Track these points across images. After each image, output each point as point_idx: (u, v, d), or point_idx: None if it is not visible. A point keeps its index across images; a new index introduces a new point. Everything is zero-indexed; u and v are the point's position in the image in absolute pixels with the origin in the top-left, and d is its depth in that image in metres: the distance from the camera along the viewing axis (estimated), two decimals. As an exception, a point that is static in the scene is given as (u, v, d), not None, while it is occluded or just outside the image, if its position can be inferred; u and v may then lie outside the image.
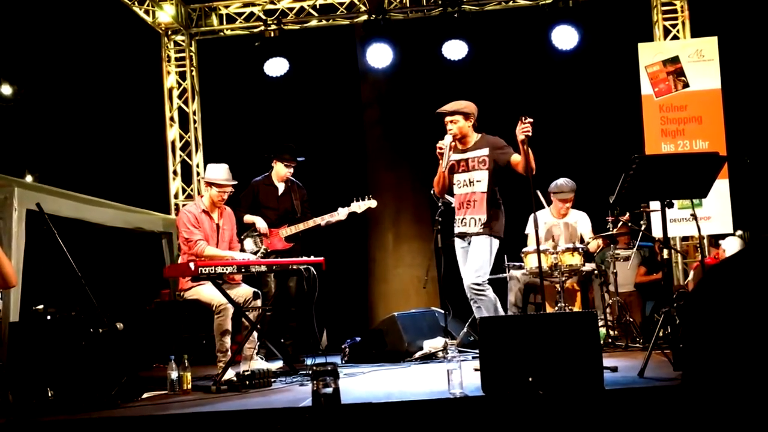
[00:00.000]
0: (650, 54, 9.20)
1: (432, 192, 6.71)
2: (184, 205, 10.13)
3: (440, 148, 6.24)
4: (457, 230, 6.43)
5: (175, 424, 4.66)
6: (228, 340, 6.47)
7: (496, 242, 6.31)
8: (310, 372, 5.45)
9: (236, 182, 7.06)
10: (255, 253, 7.61)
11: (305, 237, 7.89)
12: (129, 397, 5.54)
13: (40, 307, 6.89)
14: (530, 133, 5.80)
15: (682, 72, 9.07)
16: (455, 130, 6.28)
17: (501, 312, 6.30)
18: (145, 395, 5.82)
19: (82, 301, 5.93)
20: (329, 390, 2.11)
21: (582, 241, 7.79)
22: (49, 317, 6.08)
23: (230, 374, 6.11)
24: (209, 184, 6.98)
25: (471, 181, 6.30)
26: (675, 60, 9.10)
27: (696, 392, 2.07)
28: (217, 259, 6.53)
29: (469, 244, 6.31)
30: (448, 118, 6.30)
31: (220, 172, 7.01)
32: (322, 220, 7.71)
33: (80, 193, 8.11)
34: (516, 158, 6.10)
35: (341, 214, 7.67)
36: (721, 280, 2.13)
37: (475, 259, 6.21)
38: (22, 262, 6.64)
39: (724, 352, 2.03)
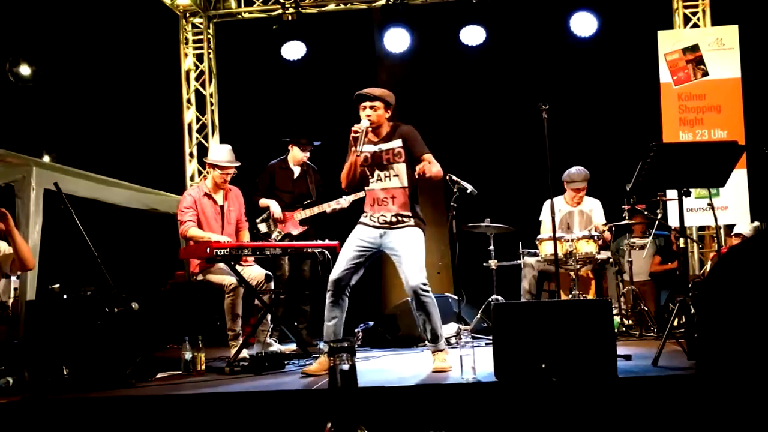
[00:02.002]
0: (670, 42, 9.13)
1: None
2: (190, 186, 10.16)
3: (355, 132, 5.45)
4: (368, 222, 5.65)
5: (188, 404, 4.69)
6: (239, 323, 6.49)
7: (423, 238, 5.65)
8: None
9: (239, 164, 7.01)
10: (269, 237, 7.63)
11: (319, 221, 7.89)
12: (143, 377, 5.58)
13: (57, 286, 6.93)
14: (430, 174, 5.34)
15: (702, 60, 9.00)
16: (374, 117, 5.52)
17: None
18: (159, 375, 5.87)
19: (98, 280, 5.97)
20: (346, 366, 2.10)
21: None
22: (65, 296, 6.12)
23: (243, 356, 6.14)
24: (211, 165, 6.97)
25: (387, 175, 5.59)
26: (695, 48, 9.04)
27: (709, 379, 2.06)
28: (197, 239, 6.55)
29: (381, 236, 5.58)
30: (369, 103, 5.53)
31: (222, 153, 6.98)
32: (328, 207, 7.70)
33: (97, 174, 8.15)
34: (428, 160, 5.49)
35: (344, 202, 7.64)
36: (733, 267, 2.12)
37: (414, 254, 5.48)
38: (39, 241, 6.69)
39: (737, 338, 2.03)
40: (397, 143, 5.56)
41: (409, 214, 5.56)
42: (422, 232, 5.60)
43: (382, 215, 5.56)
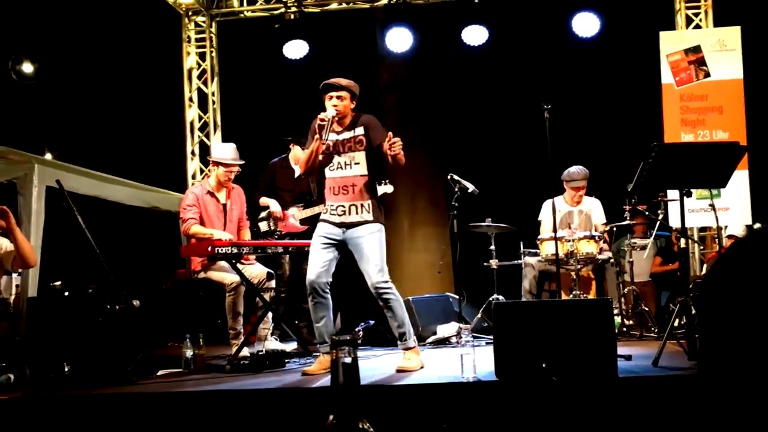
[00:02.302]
0: (672, 43, 9.14)
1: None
2: (193, 185, 10.17)
3: (322, 120, 5.42)
4: (329, 218, 5.63)
5: (189, 401, 4.70)
6: (240, 321, 6.51)
7: (384, 232, 5.65)
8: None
9: (243, 162, 7.02)
10: (270, 235, 7.63)
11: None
12: (144, 374, 5.60)
13: (58, 283, 6.94)
14: (398, 153, 5.30)
15: (704, 61, 9.01)
16: (341, 107, 5.52)
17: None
18: (160, 373, 5.88)
19: (100, 278, 5.97)
20: (348, 360, 2.11)
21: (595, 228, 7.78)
22: (66, 293, 6.13)
23: (244, 354, 6.15)
24: (216, 163, 6.99)
25: (348, 163, 5.56)
26: (697, 49, 9.04)
27: (710, 379, 2.07)
28: (200, 236, 6.57)
29: (344, 232, 5.56)
30: (335, 93, 5.54)
31: (226, 151, 7.00)
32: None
33: (99, 172, 8.16)
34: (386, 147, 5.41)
35: None
36: (731, 266, 2.13)
37: (374, 253, 5.48)
38: (41, 238, 6.70)
39: (737, 338, 2.03)
40: (359, 131, 5.57)
41: (369, 203, 5.55)
42: (382, 227, 5.61)
43: (341, 205, 5.55)
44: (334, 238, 5.57)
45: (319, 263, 5.53)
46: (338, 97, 5.54)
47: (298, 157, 7.96)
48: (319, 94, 5.60)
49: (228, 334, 6.57)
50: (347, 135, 5.58)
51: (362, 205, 5.54)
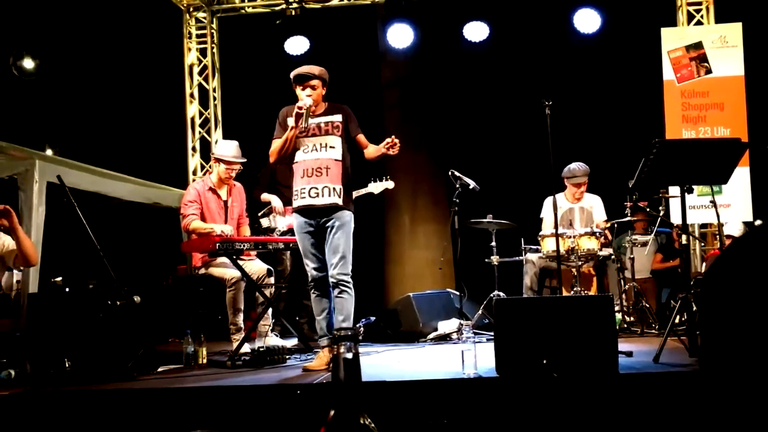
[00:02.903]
0: (673, 39, 9.13)
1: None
2: (194, 181, 10.17)
3: (300, 109, 5.47)
4: (299, 203, 5.62)
5: (190, 397, 4.70)
6: (241, 318, 6.52)
7: (353, 221, 5.66)
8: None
9: (245, 160, 7.02)
10: (271, 232, 7.63)
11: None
12: (145, 370, 5.59)
13: (59, 279, 6.94)
14: (395, 153, 5.42)
15: (705, 58, 9.00)
16: (315, 96, 5.57)
17: None
18: (161, 369, 5.87)
19: (101, 274, 5.97)
20: (349, 355, 2.12)
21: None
22: (67, 289, 6.13)
23: (245, 350, 6.15)
24: (218, 160, 6.99)
25: (323, 146, 5.56)
26: (698, 46, 9.03)
27: (712, 374, 2.07)
28: (200, 231, 6.57)
29: (319, 222, 5.57)
30: (310, 82, 5.59)
31: (229, 148, 7.00)
32: None
33: (100, 168, 8.15)
34: (364, 140, 5.64)
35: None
36: (732, 263, 2.12)
37: (343, 244, 5.50)
38: (42, 234, 6.69)
39: (737, 335, 2.03)
40: (336, 117, 5.62)
41: (340, 188, 5.55)
42: (352, 215, 5.64)
43: (313, 187, 5.54)
44: (312, 227, 5.59)
45: (313, 257, 5.60)
46: (312, 87, 5.59)
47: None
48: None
49: (229, 329, 6.58)
50: (324, 119, 5.62)
51: (334, 189, 5.54)
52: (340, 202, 5.54)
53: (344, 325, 5.47)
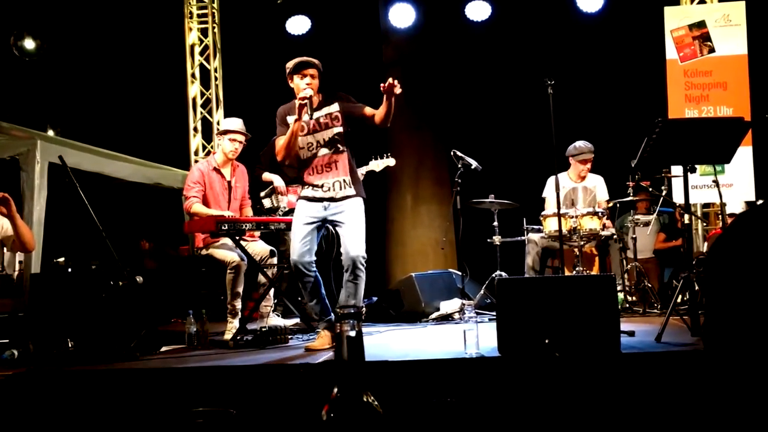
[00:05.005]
0: (676, 18, 9.08)
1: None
2: (196, 161, 10.17)
3: (303, 99, 5.39)
4: (309, 194, 5.60)
5: (192, 376, 4.71)
6: (239, 302, 6.50)
7: (363, 205, 5.64)
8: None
9: (249, 135, 7.00)
10: (274, 212, 7.62)
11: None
12: (147, 350, 5.60)
13: (62, 259, 6.95)
14: (398, 92, 5.22)
15: (708, 37, 8.96)
16: (315, 85, 5.50)
17: None
18: (164, 349, 5.89)
19: (103, 254, 5.98)
20: (353, 333, 2.12)
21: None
22: (70, 270, 6.14)
23: (247, 330, 6.16)
24: (223, 132, 6.96)
25: (327, 140, 5.53)
26: (701, 24, 8.99)
27: (715, 353, 2.07)
28: (200, 215, 6.56)
29: (327, 209, 5.54)
30: (309, 71, 5.51)
31: (233, 122, 6.98)
32: None
33: (102, 148, 8.15)
34: (370, 110, 5.48)
35: None
36: (734, 242, 2.12)
37: (358, 228, 5.48)
38: (43, 214, 6.70)
39: (741, 314, 2.03)
40: (334, 108, 5.56)
41: (350, 178, 5.55)
42: (363, 202, 5.61)
43: (324, 182, 5.54)
44: (316, 216, 5.55)
45: (301, 244, 5.51)
46: (311, 76, 5.52)
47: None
48: (323, 71, 5.57)
49: (227, 308, 6.58)
50: (323, 112, 5.56)
51: (344, 181, 5.55)
52: (353, 191, 5.55)
53: (350, 302, 5.48)
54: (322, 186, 5.55)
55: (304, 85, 5.47)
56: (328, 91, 5.63)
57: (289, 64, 5.56)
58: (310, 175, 5.60)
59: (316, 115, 5.54)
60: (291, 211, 7.59)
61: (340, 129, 5.54)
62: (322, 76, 5.60)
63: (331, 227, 5.77)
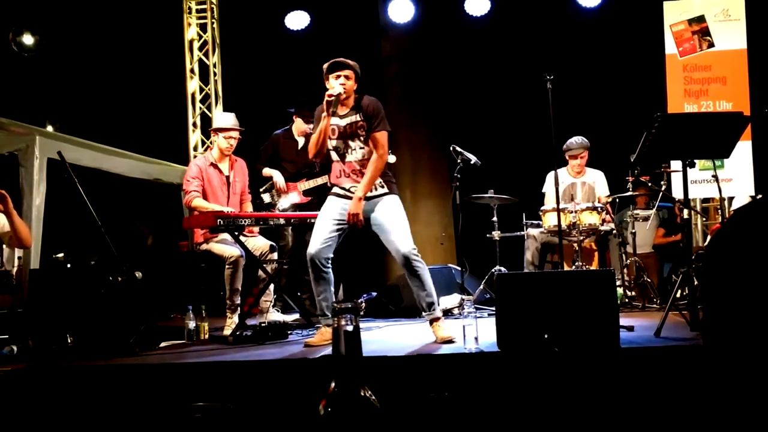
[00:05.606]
0: (675, 13, 9.07)
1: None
2: (195, 157, 10.17)
3: (330, 96, 5.36)
4: (342, 193, 5.57)
5: (192, 372, 4.71)
6: (237, 297, 6.50)
7: (400, 201, 5.65)
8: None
9: (243, 128, 6.98)
10: (273, 207, 7.62)
11: (323, 191, 7.86)
12: (147, 346, 5.61)
13: (61, 255, 6.95)
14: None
15: (708, 31, 8.94)
16: (348, 86, 5.44)
17: None
18: (163, 344, 5.89)
19: (102, 250, 5.98)
20: (350, 327, 2.12)
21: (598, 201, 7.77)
22: (69, 265, 6.14)
23: (247, 326, 6.16)
24: (216, 131, 6.96)
25: (355, 148, 5.50)
26: (701, 19, 8.97)
27: (714, 348, 2.06)
28: (201, 209, 6.56)
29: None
30: (342, 72, 5.45)
31: (226, 119, 6.97)
32: (324, 180, 7.69)
33: (100, 144, 8.14)
34: (373, 142, 5.45)
35: None
36: (733, 236, 2.11)
37: (401, 222, 5.48)
38: (42, 210, 6.70)
39: (739, 306, 2.02)
40: (358, 117, 5.49)
41: (380, 181, 5.53)
42: (399, 198, 5.61)
43: (353, 186, 5.50)
44: (345, 217, 5.50)
45: (323, 238, 5.48)
46: (345, 77, 5.45)
47: (300, 128, 7.93)
48: (322, 66, 5.55)
49: (226, 304, 6.58)
50: (351, 119, 5.51)
51: (377, 186, 5.53)
52: (385, 190, 5.53)
53: (429, 301, 5.47)
54: (349, 189, 5.51)
55: (337, 85, 5.41)
56: (360, 97, 5.56)
57: (325, 65, 5.50)
58: (340, 178, 5.58)
59: (346, 120, 5.50)
60: (290, 208, 7.61)
61: (366, 137, 5.50)
62: (359, 78, 5.53)
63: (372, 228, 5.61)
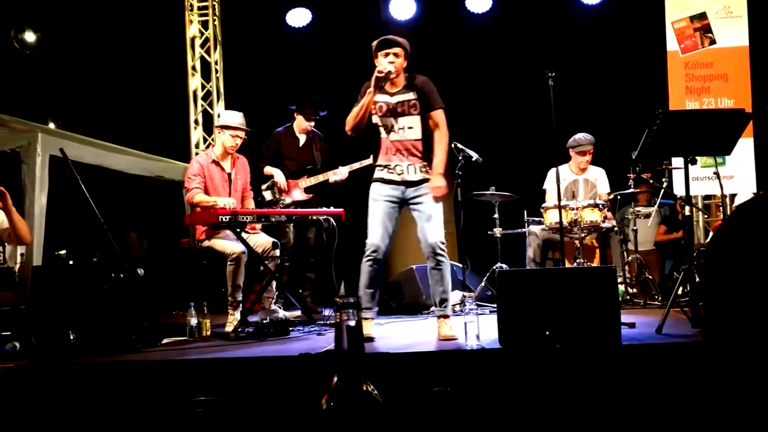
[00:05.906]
0: (677, 9, 9.05)
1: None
2: (196, 154, 10.17)
3: (380, 73, 5.32)
4: (386, 176, 5.54)
5: (194, 368, 4.72)
6: (239, 293, 6.49)
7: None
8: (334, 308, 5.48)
9: (249, 129, 6.99)
10: (275, 204, 7.62)
11: (325, 188, 7.87)
12: (149, 342, 5.61)
13: (63, 252, 6.96)
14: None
15: (709, 28, 8.93)
16: (397, 64, 5.39)
17: None
18: (165, 341, 5.90)
19: (104, 246, 5.99)
20: (352, 322, 2.13)
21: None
22: (71, 262, 6.15)
23: (249, 322, 6.17)
24: (223, 128, 6.94)
25: (402, 127, 5.47)
26: (702, 16, 8.96)
27: (714, 344, 2.07)
28: (203, 204, 6.56)
29: (404, 192, 5.51)
30: (391, 50, 5.39)
31: (234, 116, 6.96)
32: (326, 176, 7.69)
33: (103, 141, 8.15)
34: (434, 122, 5.48)
35: (341, 173, 7.64)
36: (734, 233, 2.12)
37: (436, 214, 5.46)
38: (45, 207, 6.70)
39: (740, 302, 2.03)
40: (412, 95, 5.47)
41: (425, 164, 5.50)
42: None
43: (398, 165, 5.49)
44: (395, 197, 5.51)
45: (383, 227, 5.48)
46: (395, 54, 5.41)
47: (301, 126, 7.93)
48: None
49: (227, 301, 6.58)
50: (402, 97, 5.49)
51: (420, 167, 5.50)
52: (427, 176, 5.50)
53: (443, 296, 5.46)
54: (395, 168, 5.50)
55: (386, 63, 5.38)
56: (412, 75, 5.54)
57: (374, 43, 5.45)
58: (386, 156, 5.55)
59: (396, 98, 5.48)
60: (291, 205, 7.61)
61: (417, 117, 5.48)
62: (409, 58, 5.50)
63: (410, 211, 5.60)
